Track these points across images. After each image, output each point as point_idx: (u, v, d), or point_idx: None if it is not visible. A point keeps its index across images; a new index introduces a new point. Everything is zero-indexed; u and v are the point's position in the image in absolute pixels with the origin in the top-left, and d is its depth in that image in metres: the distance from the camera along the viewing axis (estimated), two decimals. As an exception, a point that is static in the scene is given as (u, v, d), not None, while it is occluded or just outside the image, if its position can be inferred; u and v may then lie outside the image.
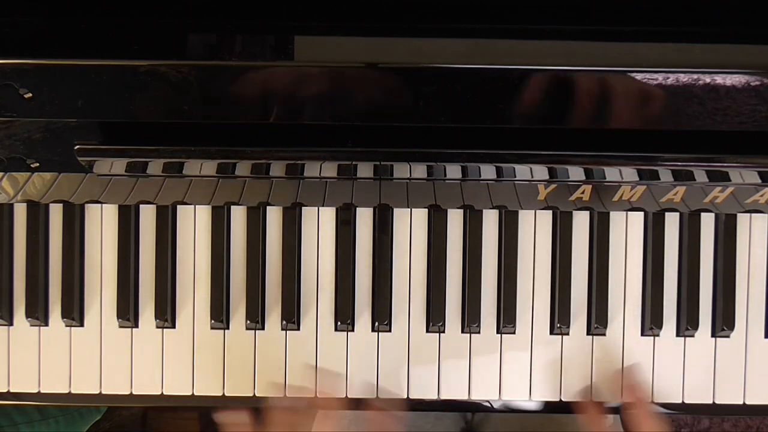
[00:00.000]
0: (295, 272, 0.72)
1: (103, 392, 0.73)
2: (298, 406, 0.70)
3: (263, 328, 0.73)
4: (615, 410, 0.73)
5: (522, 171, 0.62)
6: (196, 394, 0.73)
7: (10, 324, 0.73)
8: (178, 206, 0.73)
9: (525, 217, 0.73)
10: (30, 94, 0.58)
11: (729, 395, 0.73)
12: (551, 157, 0.60)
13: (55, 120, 0.61)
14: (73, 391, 0.73)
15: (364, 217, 0.73)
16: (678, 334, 0.73)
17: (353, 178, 0.64)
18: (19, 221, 0.73)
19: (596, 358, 0.73)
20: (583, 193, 0.67)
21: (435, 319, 0.72)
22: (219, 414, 0.70)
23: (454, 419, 0.96)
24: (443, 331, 0.73)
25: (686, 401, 0.73)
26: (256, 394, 0.73)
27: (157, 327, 0.73)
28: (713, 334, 0.73)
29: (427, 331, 0.73)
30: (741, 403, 0.73)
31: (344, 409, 0.72)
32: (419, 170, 0.63)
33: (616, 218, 0.73)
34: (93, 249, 0.73)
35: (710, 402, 0.73)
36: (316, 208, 0.73)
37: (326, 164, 0.62)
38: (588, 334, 0.73)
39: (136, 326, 0.73)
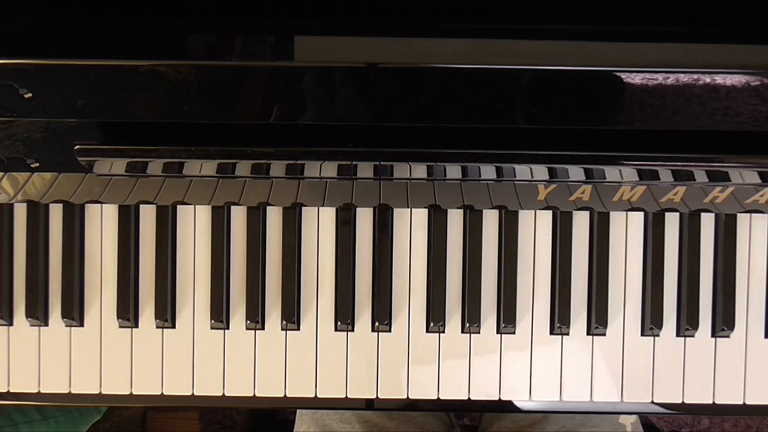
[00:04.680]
0: (295, 272, 0.72)
1: (103, 392, 0.73)
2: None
3: (263, 328, 0.73)
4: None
5: (522, 171, 0.62)
6: (196, 394, 0.73)
7: (10, 324, 0.73)
8: (178, 206, 0.73)
9: (525, 217, 0.72)
10: (30, 94, 0.58)
11: (729, 395, 0.73)
12: (551, 157, 0.60)
13: (55, 120, 0.61)
14: (73, 391, 0.73)
15: (364, 217, 0.73)
16: (678, 334, 0.73)
17: (353, 178, 0.64)
18: (19, 221, 0.73)
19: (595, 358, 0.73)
20: (583, 193, 0.67)
21: (435, 319, 0.72)
22: None
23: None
24: (443, 331, 0.73)
25: (686, 401, 0.73)
26: (256, 395, 0.73)
27: (157, 327, 0.73)
28: (713, 334, 0.73)
29: (427, 331, 0.73)
30: (741, 403, 0.73)
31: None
32: (419, 170, 0.63)
33: (616, 218, 0.73)
34: (93, 249, 0.73)
35: (710, 402, 0.73)
36: (316, 208, 0.73)
37: (326, 164, 0.62)
38: (588, 334, 0.73)
39: (136, 326, 0.73)
